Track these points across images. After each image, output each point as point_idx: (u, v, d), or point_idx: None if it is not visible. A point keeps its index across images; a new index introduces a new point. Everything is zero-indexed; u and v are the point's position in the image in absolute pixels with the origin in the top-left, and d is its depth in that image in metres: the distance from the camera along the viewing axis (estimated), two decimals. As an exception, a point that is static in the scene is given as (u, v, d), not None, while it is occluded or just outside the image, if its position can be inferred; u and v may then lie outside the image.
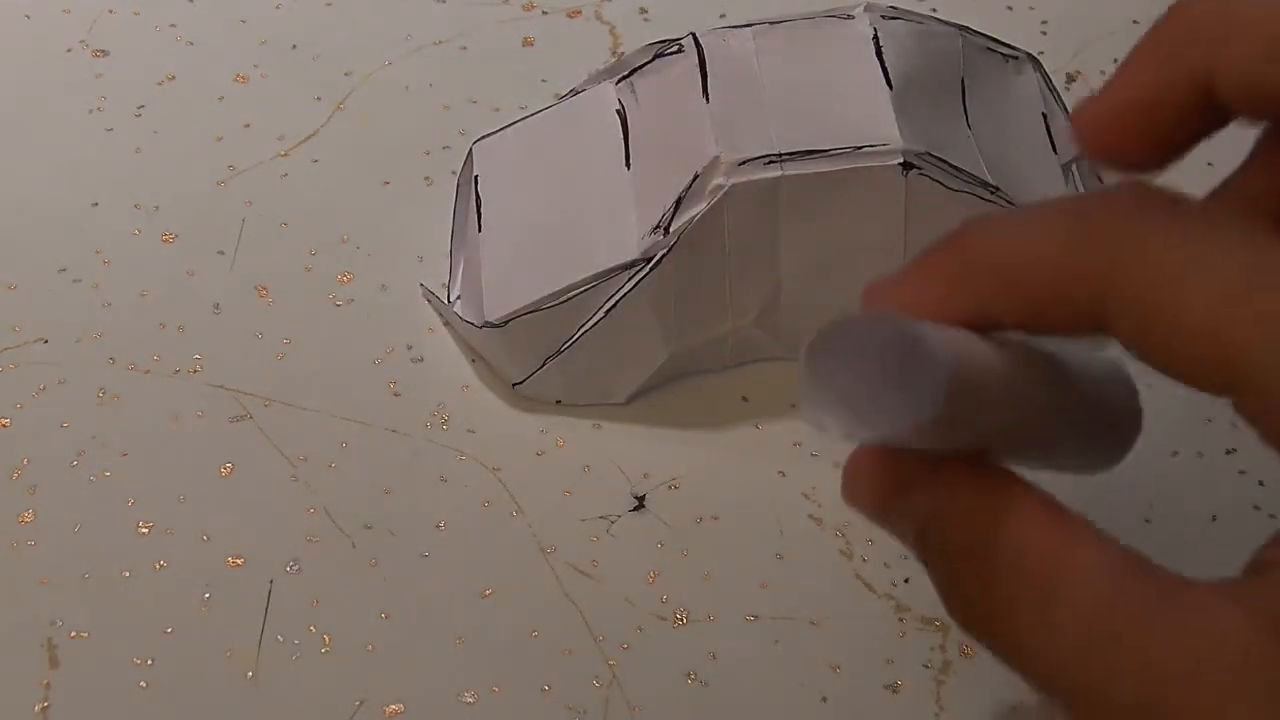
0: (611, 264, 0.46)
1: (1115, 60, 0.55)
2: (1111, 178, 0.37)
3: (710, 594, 0.45)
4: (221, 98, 0.55)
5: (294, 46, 0.57)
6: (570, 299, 0.46)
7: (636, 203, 0.47)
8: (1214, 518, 0.46)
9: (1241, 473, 0.46)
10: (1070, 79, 0.55)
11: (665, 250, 0.46)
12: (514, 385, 0.48)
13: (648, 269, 0.46)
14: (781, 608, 0.44)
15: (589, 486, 0.47)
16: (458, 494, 0.47)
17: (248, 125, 0.55)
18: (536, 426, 0.48)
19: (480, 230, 0.49)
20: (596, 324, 0.47)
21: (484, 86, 0.55)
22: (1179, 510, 0.46)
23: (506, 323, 0.47)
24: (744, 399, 0.48)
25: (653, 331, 0.47)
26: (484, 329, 0.47)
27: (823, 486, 0.46)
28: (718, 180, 0.45)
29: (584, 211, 0.48)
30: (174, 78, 0.56)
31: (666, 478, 0.47)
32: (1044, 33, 0.57)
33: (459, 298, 0.50)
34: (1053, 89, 0.50)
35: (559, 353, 0.47)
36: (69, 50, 0.57)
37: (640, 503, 0.46)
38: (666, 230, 0.46)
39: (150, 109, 0.55)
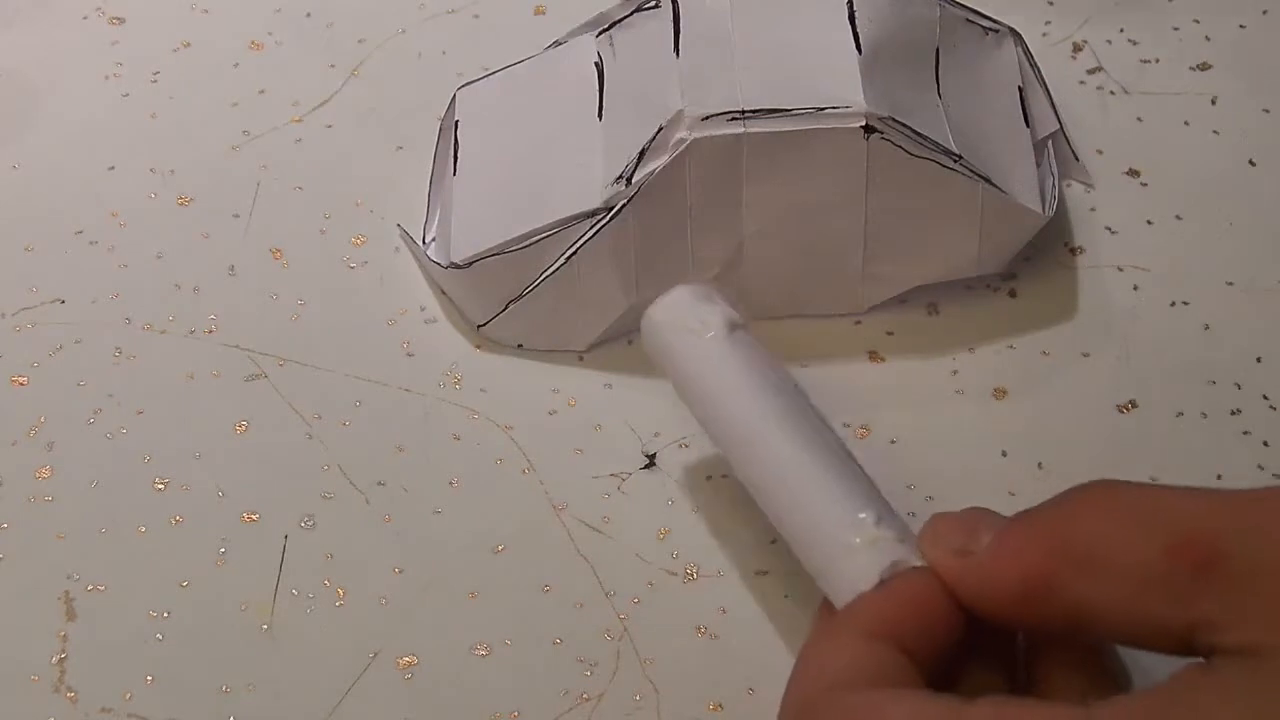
0: (574, 211, 0.47)
1: (1121, 30, 0.56)
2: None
3: (720, 550, 0.45)
4: (236, 64, 0.56)
5: (308, 14, 0.57)
6: (532, 244, 0.47)
7: (604, 153, 0.48)
8: (1219, 477, 0.46)
9: (1246, 433, 0.47)
10: (1076, 49, 0.56)
11: (625, 200, 0.46)
12: (478, 327, 0.49)
13: (608, 218, 0.47)
14: (790, 563, 0.44)
15: (600, 445, 0.47)
16: (470, 452, 0.47)
17: (262, 91, 0.55)
18: (548, 386, 0.48)
19: (455, 174, 0.49)
20: (557, 270, 0.47)
21: (496, 54, 0.55)
22: (1183, 472, 0.46)
23: (471, 264, 0.48)
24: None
25: (612, 281, 0.48)
26: (450, 269, 0.48)
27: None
28: (680, 134, 0.46)
29: (554, 160, 0.48)
30: (189, 44, 0.57)
31: (677, 436, 0.47)
32: (1050, 2, 0.57)
33: (433, 240, 0.50)
34: (1033, 64, 0.51)
35: (520, 297, 0.48)
36: (85, 17, 0.57)
37: (651, 461, 0.47)
38: (629, 181, 0.46)
39: (166, 75, 0.56)
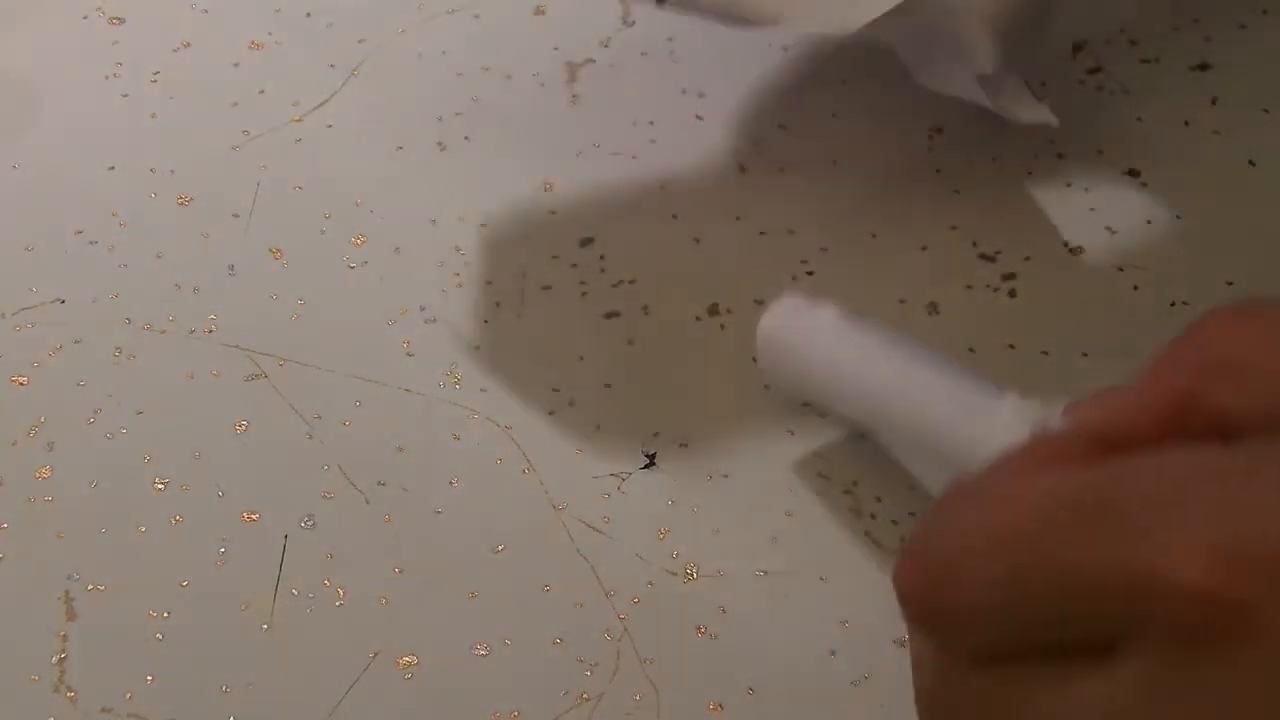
0: None
1: (1120, 30, 0.56)
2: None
3: (720, 550, 0.45)
4: (236, 64, 0.56)
5: (308, 14, 0.57)
6: None
7: None
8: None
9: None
10: (1076, 49, 0.56)
11: None
12: None
13: None
14: (791, 563, 0.45)
15: (600, 444, 0.47)
16: (470, 452, 0.47)
17: (262, 91, 0.55)
18: (548, 386, 0.48)
19: None
20: None
21: (496, 54, 0.56)
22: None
23: None
24: (754, 360, 0.49)
25: None
26: None
27: (831, 444, 0.47)
28: None
29: None
30: (189, 44, 0.57)
31: (677, 436, 0.47)
32: (1051, 3, 0.57)
33: None
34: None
35: None
36: (85, 18, 0.57)
37: (651, 460, 0.47)
38: None
39: (166, 75, 0.56)
